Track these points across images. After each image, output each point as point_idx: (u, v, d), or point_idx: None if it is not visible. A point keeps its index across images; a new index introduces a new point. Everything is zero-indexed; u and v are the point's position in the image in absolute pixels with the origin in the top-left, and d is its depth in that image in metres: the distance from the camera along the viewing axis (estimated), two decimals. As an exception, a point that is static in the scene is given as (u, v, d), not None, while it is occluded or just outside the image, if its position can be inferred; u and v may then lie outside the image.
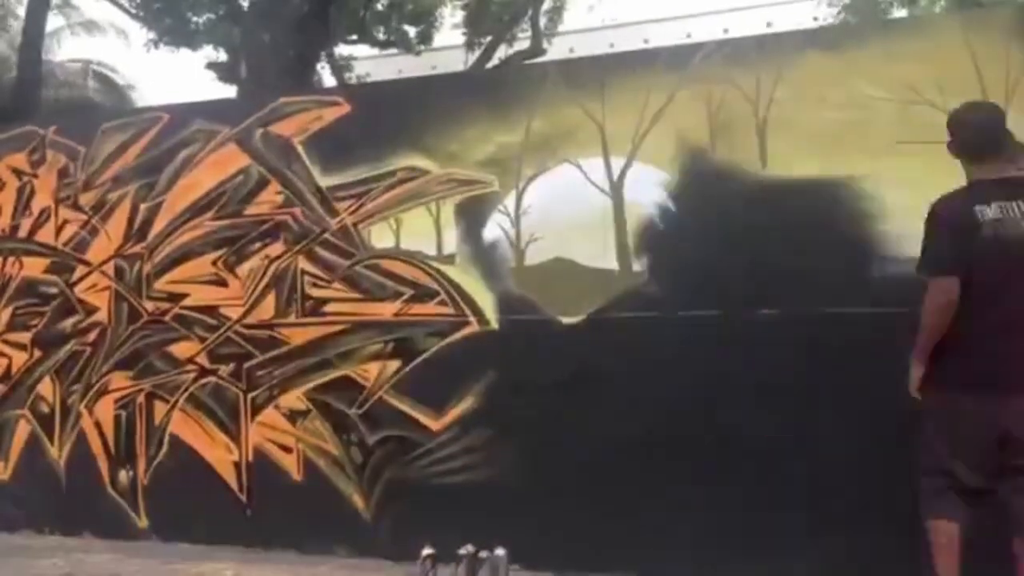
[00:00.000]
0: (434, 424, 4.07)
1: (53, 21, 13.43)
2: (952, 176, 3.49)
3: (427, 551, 3.73)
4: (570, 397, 3.85)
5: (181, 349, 4.57)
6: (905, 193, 3.51)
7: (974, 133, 2.91)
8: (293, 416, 4.34)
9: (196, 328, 4.54)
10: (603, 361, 3.83)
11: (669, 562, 3.61)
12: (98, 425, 4.70)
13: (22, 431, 4.87)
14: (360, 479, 4.19)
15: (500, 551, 3.64)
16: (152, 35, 12.73)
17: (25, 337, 4.90)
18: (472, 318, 4.06)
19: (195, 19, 12.42)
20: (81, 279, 4.81)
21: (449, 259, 4.13)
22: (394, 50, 14.26)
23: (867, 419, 3.47)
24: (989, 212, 2.75)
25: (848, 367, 3.50)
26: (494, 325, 4.03)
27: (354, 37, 13.59)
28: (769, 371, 3.61)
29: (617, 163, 3.93)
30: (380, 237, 4.25)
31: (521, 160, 4.07)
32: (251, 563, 4.12)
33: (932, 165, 3.38)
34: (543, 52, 13.48)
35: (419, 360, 4.12)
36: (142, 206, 4.71)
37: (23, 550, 4.50)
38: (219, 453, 4.46)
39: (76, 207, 4.84)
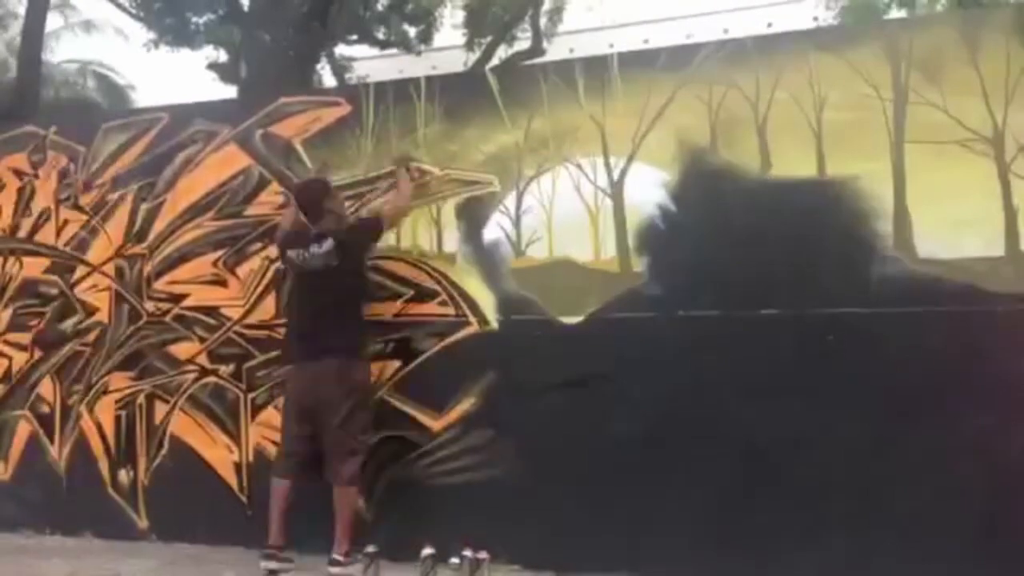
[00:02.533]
0: (434, 424, 4.07)
1: (52, 21, 13.41)
2: (951, 175, 3.51)
3: (427, 551, 3.73)
4: (570, 397, 3.85)
5: (181, 349, 4.57)
6: (905, 193, 3.52)
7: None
8: (293, 416, 4.33)
9: (196, 328, 4.54)
10: (603, 361, 3.83)
11: (669, 562, 3.61)
12: (98, 425, 4.70)
13: (22, 431, 4.86)
14: (360, 479, 4.18)
15: (483, 554, 3.68)
16: (152, 35, 12.72)
17: (25, 337, 4.90)
18: (472, 318, 4.06)
19: (195, 19, 12.41)
20: (81, 279, 4.81)
21: (450, 259, 4.13)
22: (394, 50, 14.25)
23: (867, 419, 3.47)
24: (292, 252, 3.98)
25: (848, 367, 3.50)
26: (494, 325, 4.03)
27: (354, 37, 13.57)
28: (769, 371, 3.61)
29: (617, 163, 3.94)
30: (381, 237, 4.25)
31: (521, 160, 4.07)
32: (251, 563, 4.12)
33: (932, 165, 3.39)
34: (543, 52, 13.47)
35: (419, 360, 4.12)
36: (142, 206, 4.71)
37: (23, 550, 4.50)
38: (219, 453, 4.46)
39: (76, 207, 4.84)
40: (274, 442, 4.34)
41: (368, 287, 4.08)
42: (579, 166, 4.00)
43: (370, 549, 3.81)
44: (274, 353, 4.36)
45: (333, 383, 3.80)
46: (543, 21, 14.38)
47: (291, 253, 4.00)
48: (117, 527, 4.59)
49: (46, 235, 4.92)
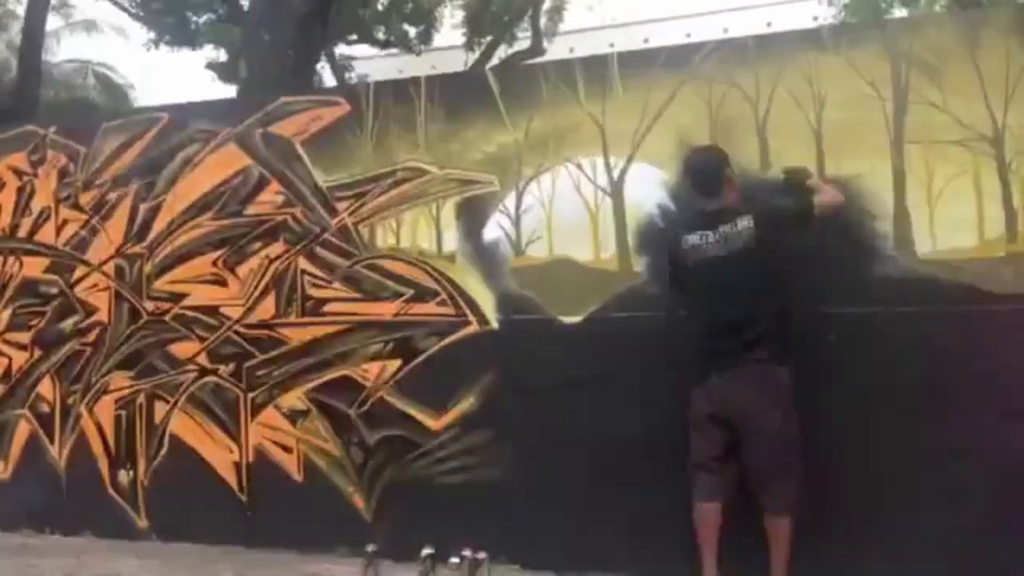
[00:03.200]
0: (434, 424, 4.07)
1: (52, 21, 13.42)
2: (951, 175, 3.51)
3: (427, 551, 3.73)
4: (570, 397, 3.85)
5: (181, 349, 4.57)
6: (905, 193, 3.52)
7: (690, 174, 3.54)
8: (293, 416, 4.34)
9: (196, 328, 4.54)
10: (603, 361, 3.83)
11: (669, 562, 3.61)
12: (98, 425, 4.70)
13: (22, 431, 4.87)
14: (360, 479, 4.19)
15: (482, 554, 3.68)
16: (152, 35, 12.74)
17: (25, 337, 4.90)
18: (472, 318, 4.06)
19: (195, 19, 12.43)
20: (81, 279, 4.81)
21: (449, 259, 4.13)
22: (394, 50, 14.26)
23: (866, 418, 3.47)
24: (691, 240, 3.40)
25: (847, 367, 3.50)
26: (494, 325, 4.03)
27: (354, 37, 13.59)
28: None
29: (617, 163, 3.94)
30: (381, 237, 4.25)
31: (521, 160, 4.07)
32: (251, 563, 4.13)
33: (932, 165, 3.39)
34: (543, 52, 13.48)
35: (419, 360, 4.12)
36: (142, 206, 4.71)
37: (23, 550, 4.50)
38: (219, 453, 4.46)
39: (76, 207, 4.84)
40: (274, 441, 4.36)
41: (787, 277, 3.41)
42: (579, 166, 3.99)
43: (370, 549, 3.81)
44: (274, 352, 4.37)
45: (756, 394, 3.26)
46: (543, 21, 14.41)
47: (691, 240, 3.40)
48: (117, 527, 4.59)
49: (46, 235, 4.92)
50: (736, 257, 3.29)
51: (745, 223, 3.30)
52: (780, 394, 3.27)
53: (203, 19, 12.49)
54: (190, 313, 4.57)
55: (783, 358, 3.28)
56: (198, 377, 4.53)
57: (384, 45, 14.00)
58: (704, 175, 3.48)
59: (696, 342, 3.41)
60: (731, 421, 3.30)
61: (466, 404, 4.02)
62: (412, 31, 13.88)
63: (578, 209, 3.99)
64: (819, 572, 3.36)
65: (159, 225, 4.66)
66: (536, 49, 13.70)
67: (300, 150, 4.40)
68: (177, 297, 4.60)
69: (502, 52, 14.26)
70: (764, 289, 3.29)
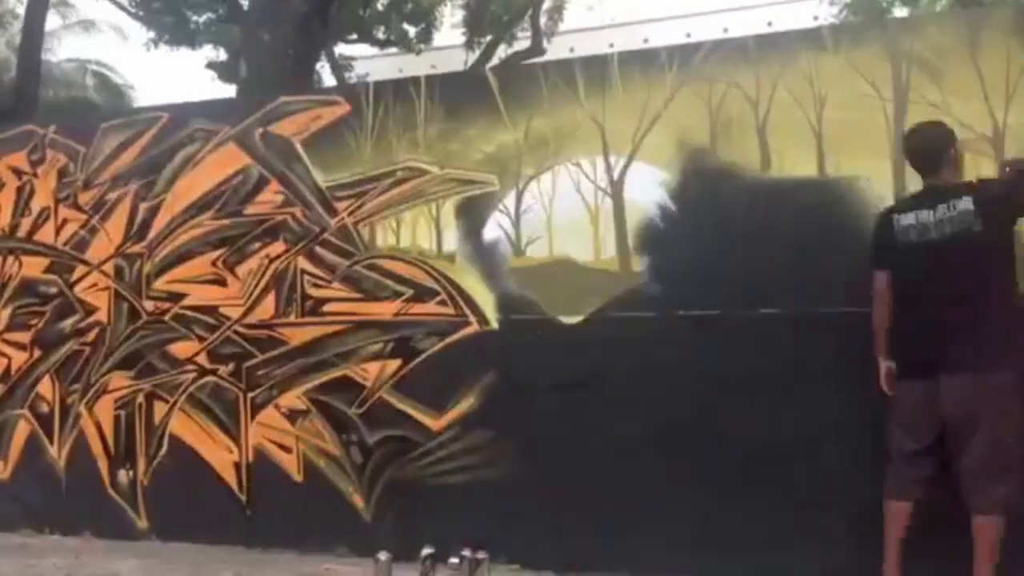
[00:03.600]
0: (434, 424, 4.07)
1: (52, 20, 13.42)
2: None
3: (427, 551, 3.73)
4: (570, 397, 3.85)
5: (181, 349, 4.56)
6: (905, 193, 3.52)
7: (908, 151, 3.32)
8: (293, 416, 4.34)
9: (196, 328, 4.54)
10: (603, 361, 3.83)
11: (669, 562, 3.61)
12: (98, 425, 4.70)
13: (22, 431, 4.86)
14: (360, 479, 4.19)
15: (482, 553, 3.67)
16: (152, 34, 12.75)
17: (25, 337, 4.89)
18: (472, 318, 4.06)
19: (195, 18, 12.43)
20: (81, 279, 4.81)
21: (449, 259, 4.13)
22: (394, 50, 14.26)
23: (866, 419, 3.47)
24: (905, 219, 3.16)
25: (847, 367, 3.50)
26: (494, 325, 4.03)
27: (354, 37, 13.59)
28: (769, 371, 3.61)
29: (617, 162, 3.94)
30: (380, 237, 4.25)
31: (521, 160, 4.07)
32: (251, 563, 4.12)
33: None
34: (543, 52, 13.48)
35: (419, 360, 4.12)
36: (142, 206, 4.70)
37: (23, 550, 4.50)
38: (219, 453, 4.46)
39: (76, 206, 4.84)
40: (274, 441, 4.36)
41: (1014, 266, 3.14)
42: (579, 166, 4.00)
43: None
44: (274, 352, 4.37)
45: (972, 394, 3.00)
46: (543, 20, 14.40)
47: (903, 221, 3.16)
48: (117, 527, 4.59)
49: (45, 234, 4.91)
50: (954, 240, 3.02)
51: (965, 204, 3.03)
52: (1004, 395, 2.96)
53: (202, 18, 12.49)
54: (190, 313, 4.56)
55: (1006, 354, 2.97)
56: (198, 377, 4.53)
57: (384, 45, 14.00)
58: (926, 150, 3.22)
59: (904, 327, 3.15)
60: (944, 418, 3.03)
61: (466, 404, 4.02)
62: (412, 31, 13.88)
63: (578, 209, 3.99)
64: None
65: (159, 225, 4.66)
66: (536, 49, 13.70)
67: (300, 150, 4.40)
68: (177, 297, 4.60)
69: (502, 52, 14.26)
70: (985, 277, 3.02)
